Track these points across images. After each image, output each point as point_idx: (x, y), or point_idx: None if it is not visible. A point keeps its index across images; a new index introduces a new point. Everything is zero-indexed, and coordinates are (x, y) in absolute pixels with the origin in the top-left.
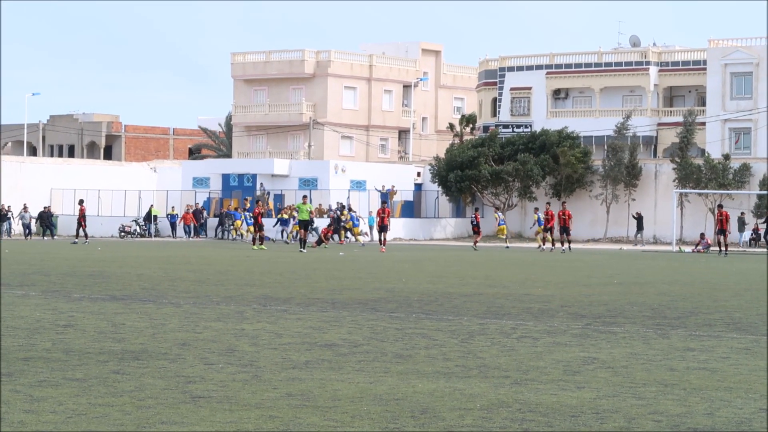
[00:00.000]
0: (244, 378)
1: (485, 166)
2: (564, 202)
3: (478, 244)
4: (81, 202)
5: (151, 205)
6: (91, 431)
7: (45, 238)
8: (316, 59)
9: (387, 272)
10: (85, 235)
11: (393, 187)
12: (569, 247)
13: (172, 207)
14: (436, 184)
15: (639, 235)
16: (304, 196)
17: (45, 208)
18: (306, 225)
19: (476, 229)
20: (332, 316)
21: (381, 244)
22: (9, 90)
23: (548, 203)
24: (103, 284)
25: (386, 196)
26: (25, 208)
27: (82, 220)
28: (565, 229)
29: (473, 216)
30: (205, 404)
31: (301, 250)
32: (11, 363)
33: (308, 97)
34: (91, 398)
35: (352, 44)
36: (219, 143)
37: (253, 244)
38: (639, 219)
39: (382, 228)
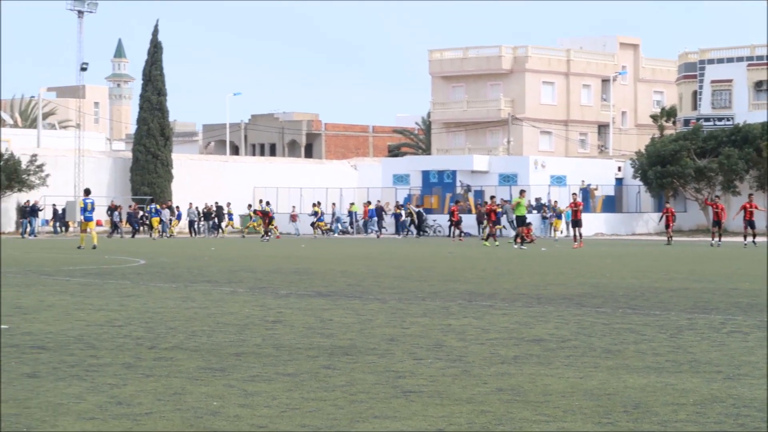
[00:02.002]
0: (453, 373)
1: (688, 161)
2: (751, 195)
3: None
4: (267, 203)
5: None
6: (305, 425)
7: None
8: (513, 55)
9: (590, 267)
10: (265, 233)
11: (592, 184)
12: (754, 240)
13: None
14: (638, 179)
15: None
16: (522, 191)
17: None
18: (524, 221)
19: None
20: (538, 311)
21: (575, 240)
22: (211, 91)
23: (717, 196)
24: (309, 281)
25: (587, 193)
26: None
27: (266, 217)
28: (750, 223)
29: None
30: (416, 399)
31: (521, 246)
32: (224, 358)
33: (506, 92)
34: (303, 393)
35: (549, 39)
36: (417, 141)
37: (485, 240)
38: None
39: (576, 223)
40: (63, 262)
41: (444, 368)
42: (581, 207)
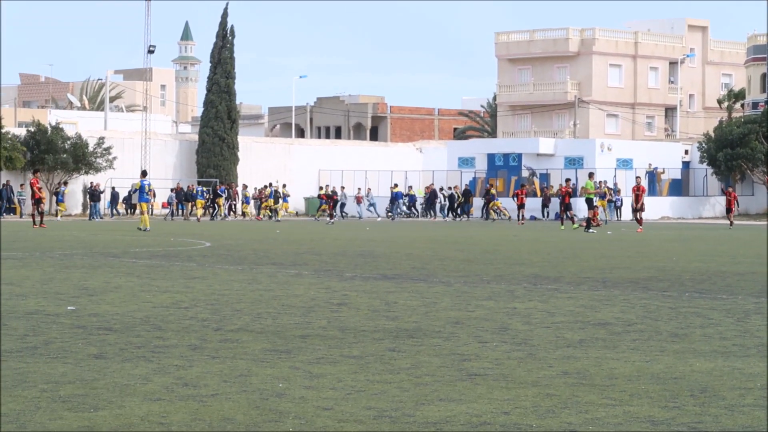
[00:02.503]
0: (518, 356)
1: (756, 144)
2: None
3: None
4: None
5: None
6: (370, 407)
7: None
8: (580, 37)
9: (656, 251)
10: (330, 216)
11: (659, 168)
12: None
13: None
14: (705, 163)
15: None
16: (591, 173)
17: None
18: (591, 203)
19: (728, 206)
20: (603, 294)
21: (639, 224)
22: (278, 74)
23: None
24: (373, 263)
25: (653, 176)
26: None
27: (331, 201)
28: None
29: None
30: (481, 381)
31: (590, 230)
32: (289, 340)
33: (573, 75)
34: (368, 375)
35: (616, 21)
36: (483, 124)
37: (573, 224)
38: None
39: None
40: (129, 244)
41: (509, 351)
42: (644, 192)
